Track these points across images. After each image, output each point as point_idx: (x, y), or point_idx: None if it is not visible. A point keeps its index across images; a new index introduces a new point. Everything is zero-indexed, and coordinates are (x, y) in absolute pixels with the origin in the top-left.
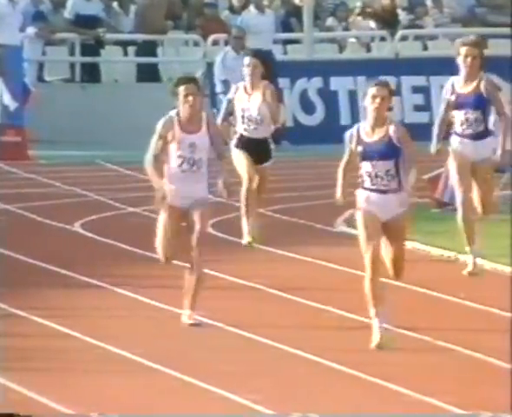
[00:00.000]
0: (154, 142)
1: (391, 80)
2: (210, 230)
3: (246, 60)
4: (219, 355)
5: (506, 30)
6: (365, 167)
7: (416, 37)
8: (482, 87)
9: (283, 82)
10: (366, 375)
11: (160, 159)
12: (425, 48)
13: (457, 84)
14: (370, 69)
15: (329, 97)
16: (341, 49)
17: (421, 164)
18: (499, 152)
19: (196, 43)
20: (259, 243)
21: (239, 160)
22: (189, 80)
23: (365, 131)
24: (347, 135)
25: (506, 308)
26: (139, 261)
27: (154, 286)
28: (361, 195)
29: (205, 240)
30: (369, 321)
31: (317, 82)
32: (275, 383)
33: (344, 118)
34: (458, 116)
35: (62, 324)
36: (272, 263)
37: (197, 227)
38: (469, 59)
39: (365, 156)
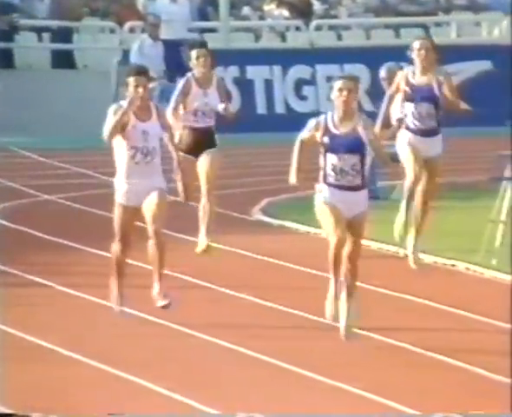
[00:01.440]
0: (105, 126)
1: (306, 69)
2: None
3: (195, 53)
4: (136, 344)
5: (418, 20)
6: (330, 159)
7: (331, 27)
8: (435, 80)
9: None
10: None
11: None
12: (339, 38)
13: (411, 76)
14: (286, 58)
15: (245, 86)
16: (257, 38)
17: None
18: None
19: (112, 30)
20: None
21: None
22: (139, 71)
23: (333, 122)
24: (312, 122)
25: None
26: (53, 248)
27: (69, 273)
28: (324, 190)
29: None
30: (283, 308)
31: (233, 70)
32: (190, 373)
33: (261, 107)
34: (410, 109)
35: None
36: (189, 252)
37: (152, 218)
38: (422, 52)
39: (332, 148)
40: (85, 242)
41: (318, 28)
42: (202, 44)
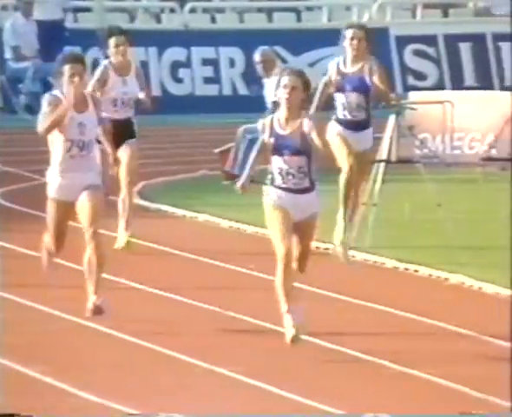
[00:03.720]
0: (42, 119)
1: (182, 52)
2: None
3: (113, 40)
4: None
5: (290, 4)
6: (276, 162)
7: (205, 10)
8: (367, 70)
9: (76, 51)
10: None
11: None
12: (213, 20)
13: (342, 65)
14: (161, 40)
15: None
16: (132, 19)
17: (213, 136)
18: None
19: None
20: None
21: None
22: (75, 59)
23: (279, 122)
24: (259, 124)
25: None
26: None
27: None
28: (272, 193)
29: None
30: (158, 292)
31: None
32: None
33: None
34: (340, 99)
35: None
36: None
37: (89, 221)
38: (354, 41)
39: (277, 150)
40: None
41: (193, 10)
42: (122, 32)
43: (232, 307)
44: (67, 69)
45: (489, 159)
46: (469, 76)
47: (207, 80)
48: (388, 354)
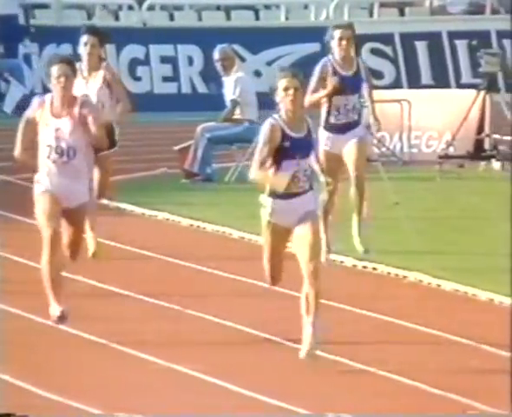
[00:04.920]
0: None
1: (140, 49)
2: None
3: (84, 38)
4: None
5: (248, 2)
6: (286, 167)
7: (163, 7)
8: (361, 70)
9: (31, 47)
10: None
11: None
12: (172, 17)
13: (337, 66)
14: (119, 37)
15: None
16: (89, 16)
17: (172, 134)
18: (371, 121)
19: None
20: None
21: None
22: (62, 60)
23: (288, 125)
24: (267, 129)
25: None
26: None
27: None
28: (269, 205)
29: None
30: (120, 291)
31: (66, 48)
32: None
33: None
34: (337, 102)
35: None
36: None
37: (69, 250)
38: (343, 42)
39: (290, 154)
40: None
41: (151, 7)
42: (93, 31)
43: (191, 305)
44: (54, 70)
45: (447, 157)
46: (425, 74)
47: (166, 78)
48: (345, 352)
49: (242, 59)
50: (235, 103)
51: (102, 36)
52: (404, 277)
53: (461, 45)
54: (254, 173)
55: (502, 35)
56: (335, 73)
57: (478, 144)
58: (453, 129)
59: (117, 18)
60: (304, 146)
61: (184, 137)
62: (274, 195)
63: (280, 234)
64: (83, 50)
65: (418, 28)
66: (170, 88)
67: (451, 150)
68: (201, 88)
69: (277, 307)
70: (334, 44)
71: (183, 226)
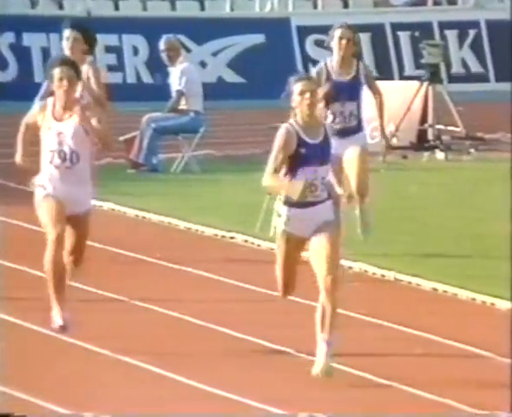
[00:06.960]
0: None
1: None
2: None
3: (66, 32)
4: None
5: None
6: (302, 174)
7: None
8: (360, 73)
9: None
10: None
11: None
12: (117, 7)
13: (332, 71)
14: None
15: (22, 53)
16: (33, 4)
17: (118, 125)
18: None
19: None
20: None
21: None
22: (65, 62)
23: (304, 131)
24: (282, 134)
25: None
26: None
27: None
28: (284, 214)
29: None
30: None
31: (9, 37)
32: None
33: (38, 75)
34: (332, 108)
35: None
36: None
37: (70, 258)
38: (343, 41)
39: (306, 161)
40: None
41: None
42: (77, 26)
43: (137, 293)
44: (55, 72)
45: (391, 148)
46: (369, 66)
47: (111, 67)
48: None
49: (187, 49)
50: (181, 94)
51: (87, 30)
52: (350, 268)
53: (404, 37)
54: (267, 179)
55: (443, 26)
56: (328, 78)
57: (421, 135)
58: (396, 120)
59: (61, 7)
60: (321, 152)
61: (129, 127)
62: (290, 203)
63: (295, 244)
64: (65, 45)
65: (362, 19)
66: (115, 77)
67: (394, 141)
68: (146, 78)
69: (218, 298)
70: (334, 45)
71: (128, 216)
